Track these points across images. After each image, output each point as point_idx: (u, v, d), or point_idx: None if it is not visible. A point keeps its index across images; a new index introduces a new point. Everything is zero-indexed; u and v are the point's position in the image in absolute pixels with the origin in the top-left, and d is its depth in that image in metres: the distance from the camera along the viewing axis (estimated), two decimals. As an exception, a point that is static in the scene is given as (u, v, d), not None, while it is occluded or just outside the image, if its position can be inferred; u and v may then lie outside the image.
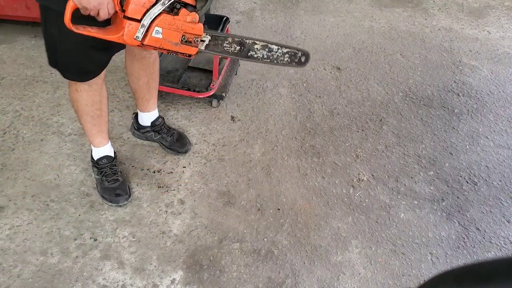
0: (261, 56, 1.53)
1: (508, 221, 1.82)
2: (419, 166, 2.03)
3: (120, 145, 2.01)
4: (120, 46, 1.45)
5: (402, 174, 1.98)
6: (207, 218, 1.75)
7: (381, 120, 2.26)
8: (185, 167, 1.95)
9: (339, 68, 2.60)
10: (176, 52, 1.36)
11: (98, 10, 1.17)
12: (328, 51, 2.75)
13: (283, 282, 1.57)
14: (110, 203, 1.75)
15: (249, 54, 1.51)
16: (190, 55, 1.39)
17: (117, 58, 1.81)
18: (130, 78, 1.80)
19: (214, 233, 1.70)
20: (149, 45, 1.28)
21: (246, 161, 2.00)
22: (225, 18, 2.12)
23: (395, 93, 2.44)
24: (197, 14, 1.30)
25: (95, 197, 1.79)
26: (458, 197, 1.90)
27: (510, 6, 3.34)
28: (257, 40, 1.49)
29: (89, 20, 1.21)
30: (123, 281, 1.53)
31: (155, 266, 1.58)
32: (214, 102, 2.24)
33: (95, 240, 1.65)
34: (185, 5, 1.28)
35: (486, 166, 2.05)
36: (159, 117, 1.98)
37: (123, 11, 1.20)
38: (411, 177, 1.97)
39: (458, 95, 2.45)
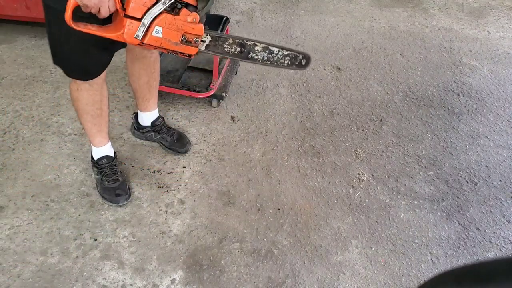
0: (261, 58, 1.53)
1: (508, 221, 1.82)
2: (419, 166, 2.03)
3: (120, 145, 2.01)
4: (120, 44, 1.45)
5: (402, 174, 1.98)
6: (207, 218, 1.75)
7: (381, 120, 2.26)
8: (185, 167, 1.95)
9: (339, 68, 2.60)
10: (176, 51, 1.36)
11: (99, 8, 1.17)
12: (328, 51, 2.75)
13: (283, 282, 1.57)
14: (110, 203, 1.76)
15: (250, 55, 1.51)
16: (190, 55, 1.39)
17: (117, 58, 1.81)
18: (130, 77, 1.80)
19: (214, 233, 1.70)
20: (149, 44, 1.29)
21: (246, 161, 2.00)
22: (225, 18, 2.12)
23: (395, 93, 2.44)
24: (198, 15, 1.30)
25: (95, 197, 1.79)
26: (458, 197, 1.90)
27: (510, 6, 3.34)
28: (258, 41, 1.48)
29: (90, 18, 1.21)
30: (123, 281, 1.53)
31: (155, 266, 1.58)
32: (214, 102, 2.24)
33: (95, 240, 1.65)
34: (186, 5, 1.28)
35: (486, 166, 2.05)
36: (159, 117, 1.98)
37: (124, 9, 1.20)
38: (411, 177, 1.97)
39: (458, 95, 2.45)
